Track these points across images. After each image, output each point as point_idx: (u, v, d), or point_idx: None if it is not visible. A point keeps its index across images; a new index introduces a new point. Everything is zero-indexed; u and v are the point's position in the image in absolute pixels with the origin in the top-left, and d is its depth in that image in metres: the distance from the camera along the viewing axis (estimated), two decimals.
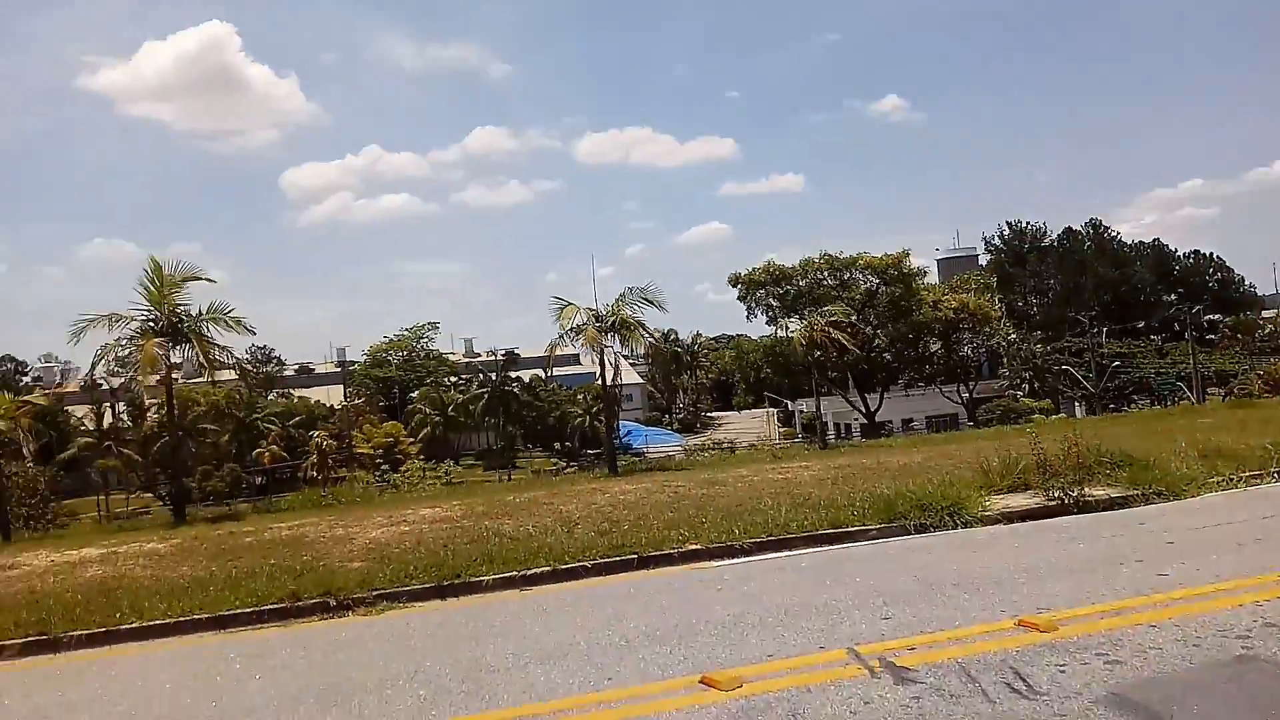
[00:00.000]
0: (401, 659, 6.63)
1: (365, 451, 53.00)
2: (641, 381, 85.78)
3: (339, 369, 75.25)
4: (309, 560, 10.09)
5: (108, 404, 52.29)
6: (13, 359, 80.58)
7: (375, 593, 8.56)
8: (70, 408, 56.68)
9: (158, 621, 8.09)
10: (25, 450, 22.00)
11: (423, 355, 78.23)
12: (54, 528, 23.30)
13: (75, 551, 12.55)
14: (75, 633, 7.90)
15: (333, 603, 8.38)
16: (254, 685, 6.29)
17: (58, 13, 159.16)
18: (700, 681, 5.57)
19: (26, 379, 77.24)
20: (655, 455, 42.44)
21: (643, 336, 21.38)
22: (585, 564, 9.20)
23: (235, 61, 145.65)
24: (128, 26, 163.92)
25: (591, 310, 21.27)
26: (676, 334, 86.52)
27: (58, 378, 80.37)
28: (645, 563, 9.31)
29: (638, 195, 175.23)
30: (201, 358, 18.54)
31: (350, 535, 11.99)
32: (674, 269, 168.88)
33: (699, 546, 9.64)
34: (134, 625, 8.05)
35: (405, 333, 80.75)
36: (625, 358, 49.94)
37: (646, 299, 21.00)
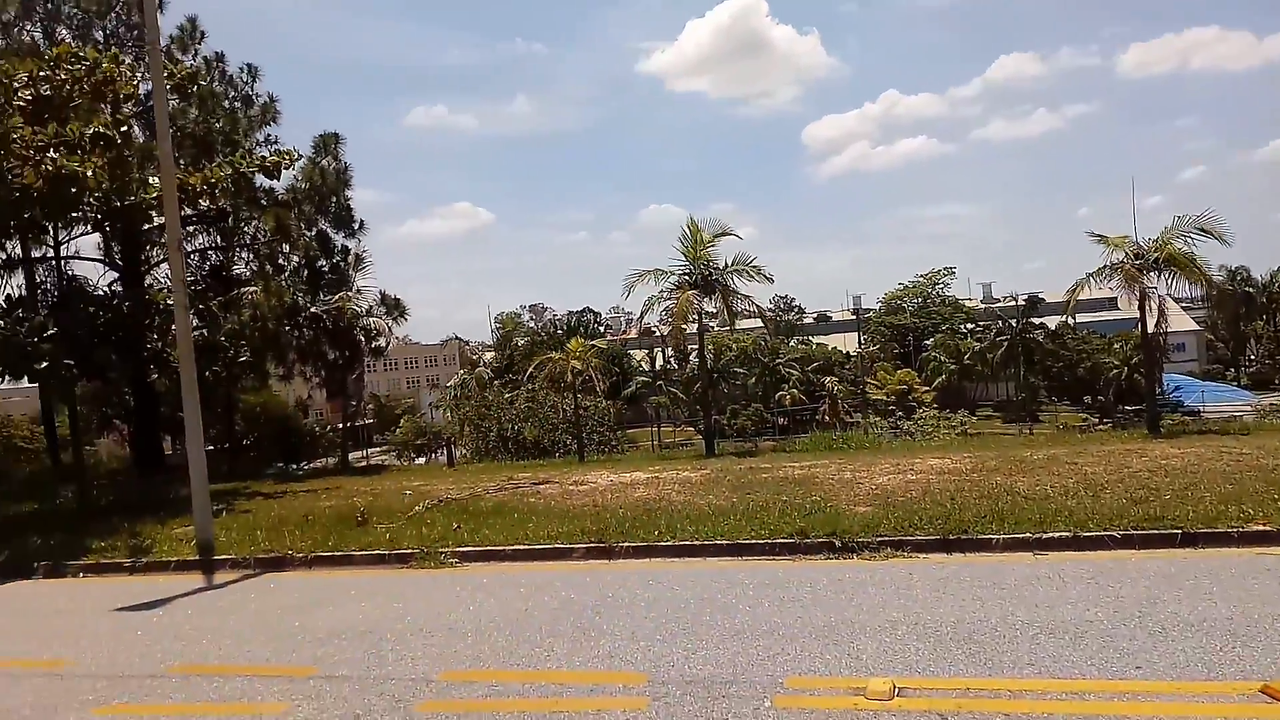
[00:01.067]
0: (902, 607, 6.59)
1: (879, 397, 53.67)
2: (1198, 328, 73.21)
3: (854, 316, 76.90)
4: (818, 500, 10.50)
5: (657, 349, 60.33)
6: (591, 310, 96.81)
7: (880, 539, 8.61)
8: (632, 351, 66.71)
9: (686, 542, 9.12)
10: (598, 387, 26.49)
11: (938, 301, 76.28)
12: (617, 453, 27.65)
13: (628, 474, 14.70)
14: (624, 543, 9.28)
15: (838, 544, 8.62)
16: (764, 610, 6.76)
17: (616, 9, 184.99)
18: (1261, 690, 4.61)
19: (601, 327, 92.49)
20: (1213, 415, 36.03)
21: (1198, 275, 18.08)
22: (1113, 533, 8.17)
23: (762, 26, 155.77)
24: (673, 9, 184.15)
25: (1132, 244, 18.59)
26: (1248, 271, 71.93)
27: (622, 326, 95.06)
28: (1191, 540, 7.96)
29: (1196, 109, 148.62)
30: (726, 307, 20.39)
31: (858, 479, 12.22)
32: (1243, 194, 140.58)
33: (1269, 528, 7.95)
34: (668, 543, 9.19)
35: (920, 279, 79.45)
36: (1176, 301, 42.98)
37: (1203, 230, 17.68)
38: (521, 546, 9.55)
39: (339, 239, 22.80)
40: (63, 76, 12.94)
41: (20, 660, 6.88)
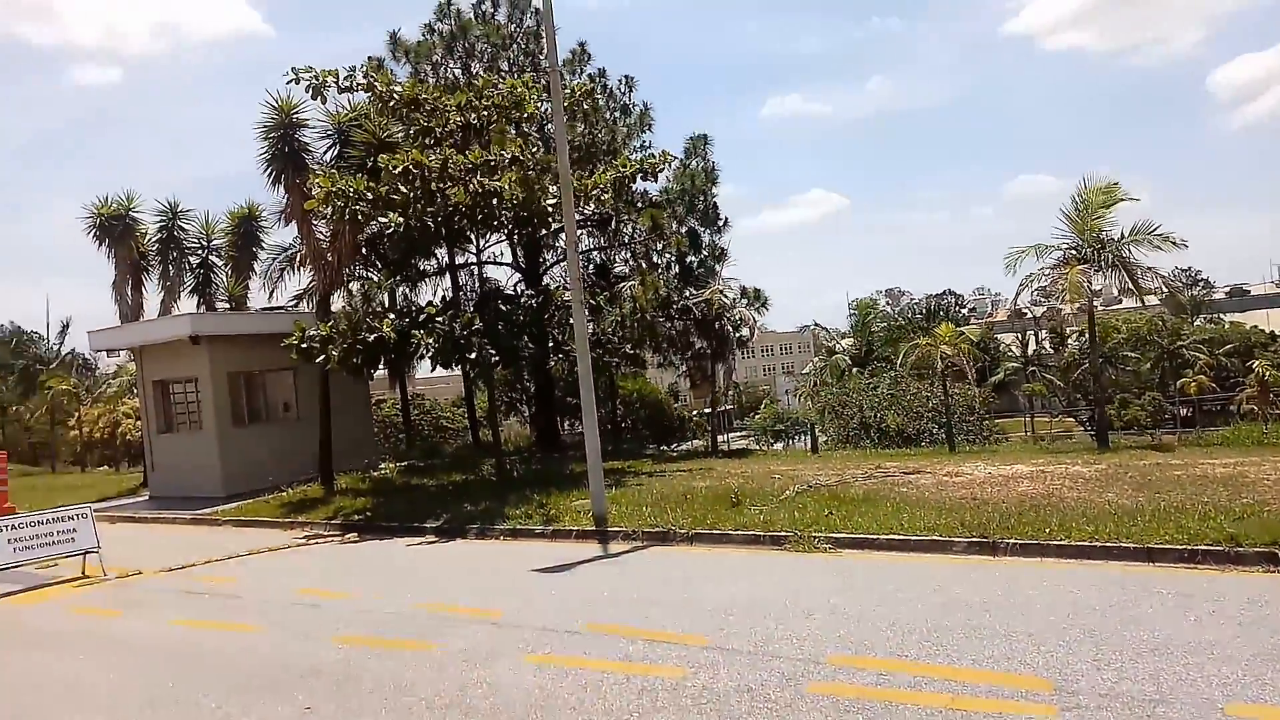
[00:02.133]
0: None
1: None
2: None
3: None
4: (1250, 504, 9.07)
5: (1030, 332, 55.67)
6: (952, 292, 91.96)
7: None
8: (1000, 335, 62.26)
9: (1084, 542, 8.35)
10: (968, 373, 25.10)
11: None
12: (988, 443, 25.99)
13: (1008, 467, 13.76)
14: (1010, 540, 8.71)
15: None
16: (1187, 624, 5.99)
17: None
18: None
19: (964, 310, 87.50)
20: None
21: None
22: None
23: None
24: None
25: None
26: None
27: (988, 308, 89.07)
28: None
29: None
30: (1128, 281, 18.19)
31: None
32: None
33: None
34: (1061, 541, 8.47)
35: None
36: None
37: None
38: (896, 536, 9.36)
39: (706, 235, 23.96)
40: (485, 105, 15.10)
41: (465, 608, 8.12)
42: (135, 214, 23.46)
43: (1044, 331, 55.30)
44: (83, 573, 11.24)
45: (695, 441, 32.80)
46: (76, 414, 43.70)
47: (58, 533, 11.17)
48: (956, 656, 5.72)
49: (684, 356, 26.14)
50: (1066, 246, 19.15)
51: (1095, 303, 20.17)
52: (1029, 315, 55.66)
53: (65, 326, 47.61)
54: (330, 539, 13.46)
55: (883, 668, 5.58)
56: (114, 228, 22.92)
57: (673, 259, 23.71)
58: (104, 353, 31.96)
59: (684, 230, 23.43)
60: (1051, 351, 55.49)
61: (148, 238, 23.72)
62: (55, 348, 46.91)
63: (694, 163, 23.24)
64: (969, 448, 21.20)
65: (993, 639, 5.99)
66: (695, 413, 39.70)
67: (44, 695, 6.52)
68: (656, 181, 18.89)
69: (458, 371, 24.89)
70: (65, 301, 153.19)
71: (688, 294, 23.59)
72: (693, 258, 23.92)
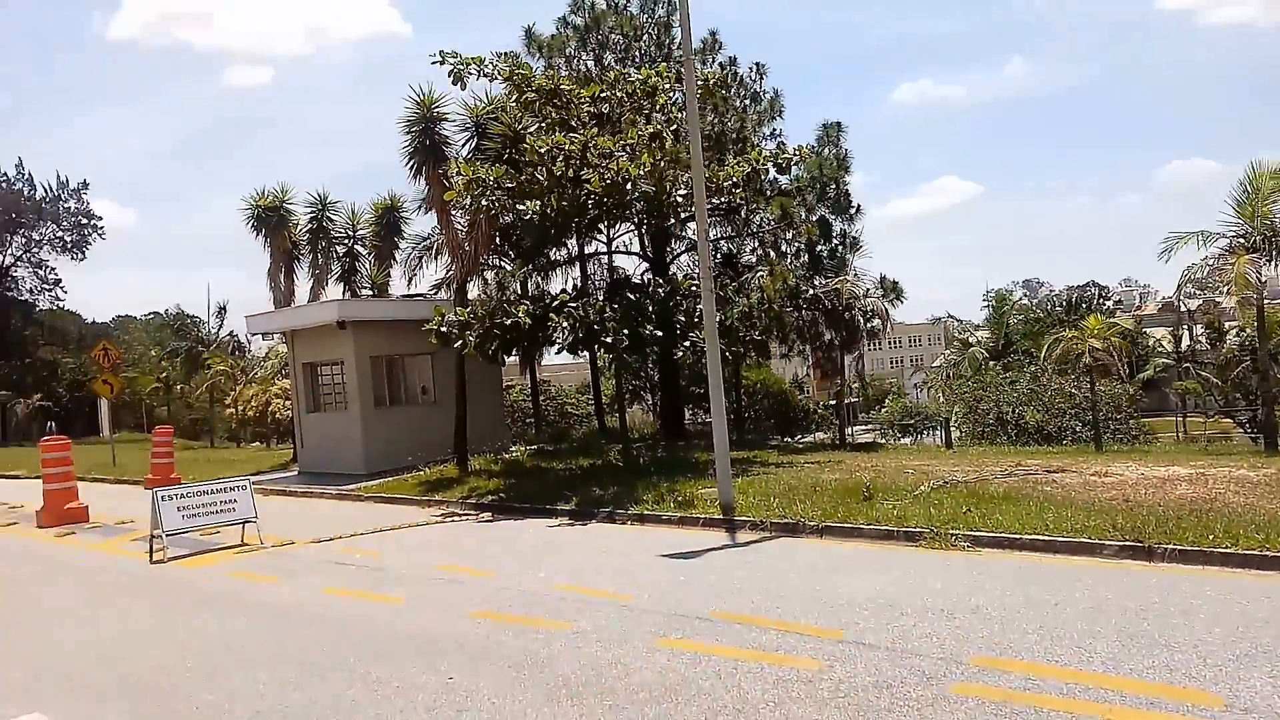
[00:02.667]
0: None
1: None
2: None
3: None
4: None
5: (1185, 326, 52.04)
6: (1095, 284, 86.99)
7: None
8: (1149, 330, 58.46)
9: (1253, 551, 7.76)
10: (1117, 369, 23.70)
11: None
12: (1137, 443, 24.52)
13: (1163, 468, 12.94)
14: (1169, 545, 8.19)
15: None
16: None
17: None
18: None
19: (1108, 303, 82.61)
20: None
21: None
22: None
23: None
24: None
25: None
26: None
27: (1136, 300, 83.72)
28: None
29: None
30: None
31: None
32: None
33: None
34: (1227, 549, 7.90)
35: None
36: None
37: None
38: (1041, 536, 8.95)
39: (837, 223, 23.51)
40: (618, 95, 15.28)
41: (596, 590, 8.26)
42: (288, 206, 24.90)
43: (1199, 326, 51.61)
44: (242, 540, 12.04)
45: (819, 434, 32.30)
46: (232, 393, 46.83)
47: (220, 503, 12.00)
48: (1112, 664, 5.42)
49: (812, 347, 25.77)
50: (1233, 235, 17.80)
51: (1266, 296, 18.68)
52: (1182, 309, 52.03)
53: (223, 311, 51.04)
54: (466, 518, 13.95)
55: (1031, 672, 5.35)
56: (269, 219, 24.40)
57: (802, 248, 23.38)
58: (259, 336, 34.06)
59: (814, 219, 23.06)
60: (1208, 347, 51.72)
61: (299, 228, 25.15)
62: (214, 331, 50.36)
63: (826, 150, 22.83)
64: (1117, 447, 20.10)
65: (1152, 648, 5.65)
66: (819, 404, 39.06)
67: (210, 652, 7.01)
68: (788, 174, 18.65)
69: (582, 359, 25.33)
70: (223, 288, 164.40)
71: (817, 283, 23.21)
72: (823, 247, 23.52)
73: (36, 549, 13.42)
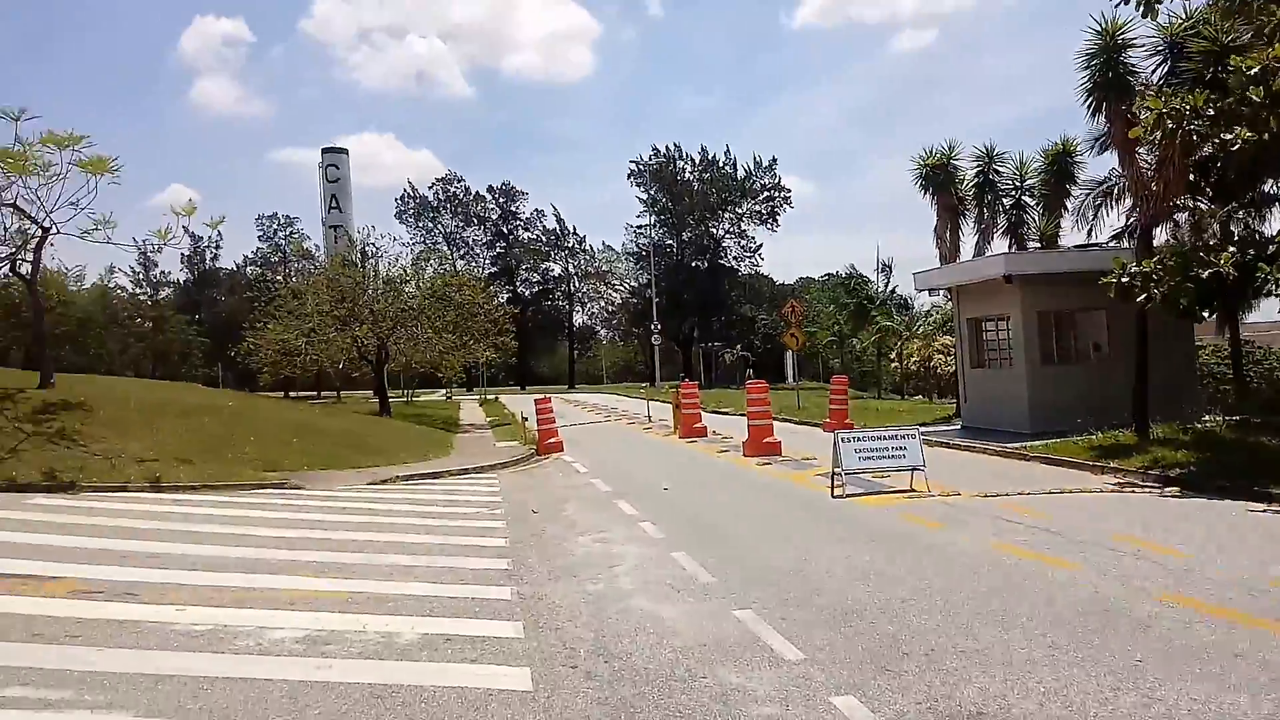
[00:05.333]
0: None
1: None
2: None
3: None
4: None
5: None
6: None
7: None
8: None
9: None
10: None
11: None
12: None
13: None
14: None
15: None
16: None
17: None
18: None
19: None
20: None
21: None
22: None
23: None
24: None
25: None
26: None
27: None
28: None
29: None
30: None
31: None
32: None
33: None
34: None
35: None
36: None
37: None
38: None
39: None
40: None
41: None
42: (954, 162, 25.06)
43: None
44: (910, 486, 12.68)
45: None
46: (896, 348, 49.33)
47: (892, 448, 12.81)
48: None
49: None
50: None
51: None
52: None
53: (888, 269, 53.85)
54: (1146, 489, 12.59)
55: None
56: (936, 177, 24.87)
57: None
58: (924, 292, 35.16)
59: None
60: None
61: (964, 183, 25.13)
62: (881, 288, 53.51)
63: None
64: None
65: None
66: None
67: (885, 584, 7.56)
68: None
69: None
70: (889, 247, 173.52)
71: None
72: None
73: (743, 473, 16.04)
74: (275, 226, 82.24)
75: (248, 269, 79.40)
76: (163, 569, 8.28)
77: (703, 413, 24.62)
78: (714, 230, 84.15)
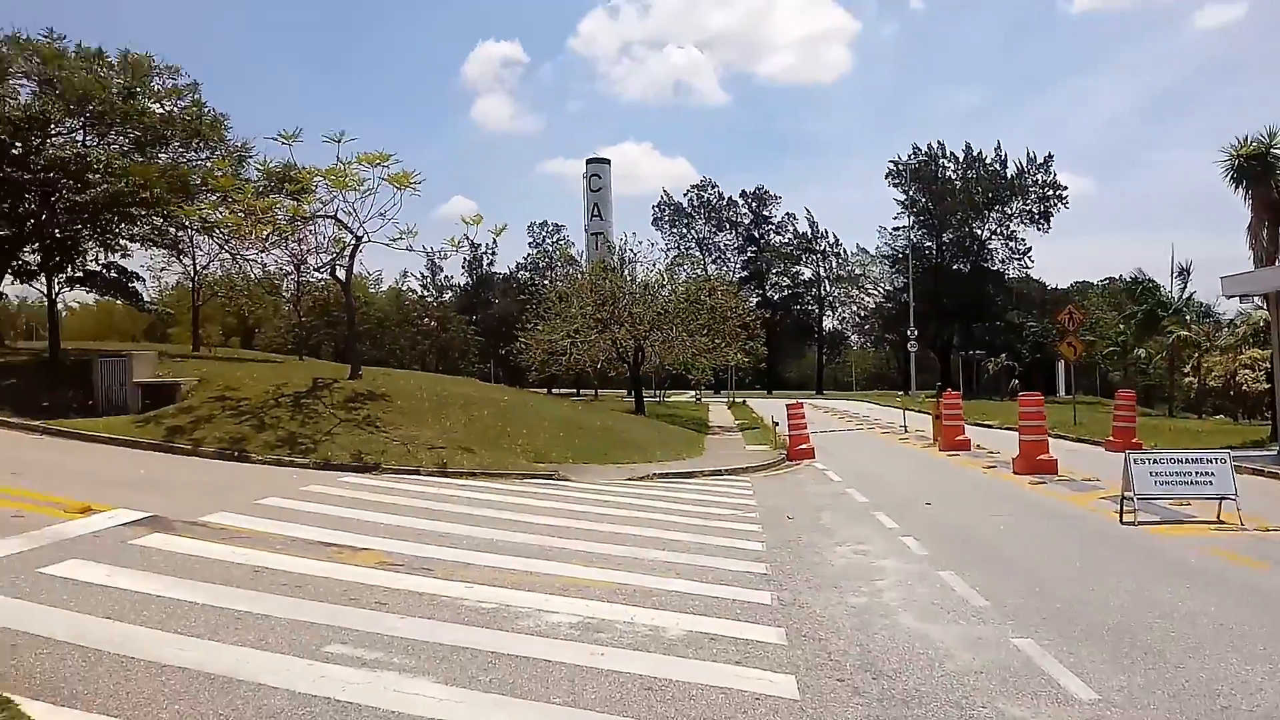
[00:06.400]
0: None
1: None
2: None
3: None
4: None
5: None
6: None
7: None
8: None
9: None
10: None
11: None
12: None
13: None
14: None
15: None
16: None
17: None
18: None
19: None
20: None
21: None
22: None
23: None
24: None
25: None
26: None
27: None
28: None
29: None
30: None
31: None
32: None
33: None
34: None
35: None
36: None
37: None
38: None
39: None
40: None
41: None
42: (1276, 151, 21.89)
43: None
44: (1217, 518, 11.22)
45: None
46: (1192, 360, 43.96)
47: (1195, 474, 11.38)
48: None
49: None
50: None
51: None
52: None
53: (1185, 273, 48.07)
54: None
55: None
56: (1252, 168, 21.84)
57: None
58: (1232, 299, 31.03)
59: None
60: None
61: None
62: (1175, 294, 47.89)
63: None
64: None
65: None
66: None
67: (1191, 623, 6.72)
68: None
69: None
70: (1185, 249, 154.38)
71: None
72: None
73: (1014, 491, 14.96)
74: (544, 234, 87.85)
75: (519, 273, 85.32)
76: (452, 548, 9.08)
77: (965, 425, 23.28)
78: (978, 231, 79.37)
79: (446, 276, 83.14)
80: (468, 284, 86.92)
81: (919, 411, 32.67)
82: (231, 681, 5.08)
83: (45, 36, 23.68)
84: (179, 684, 5.04)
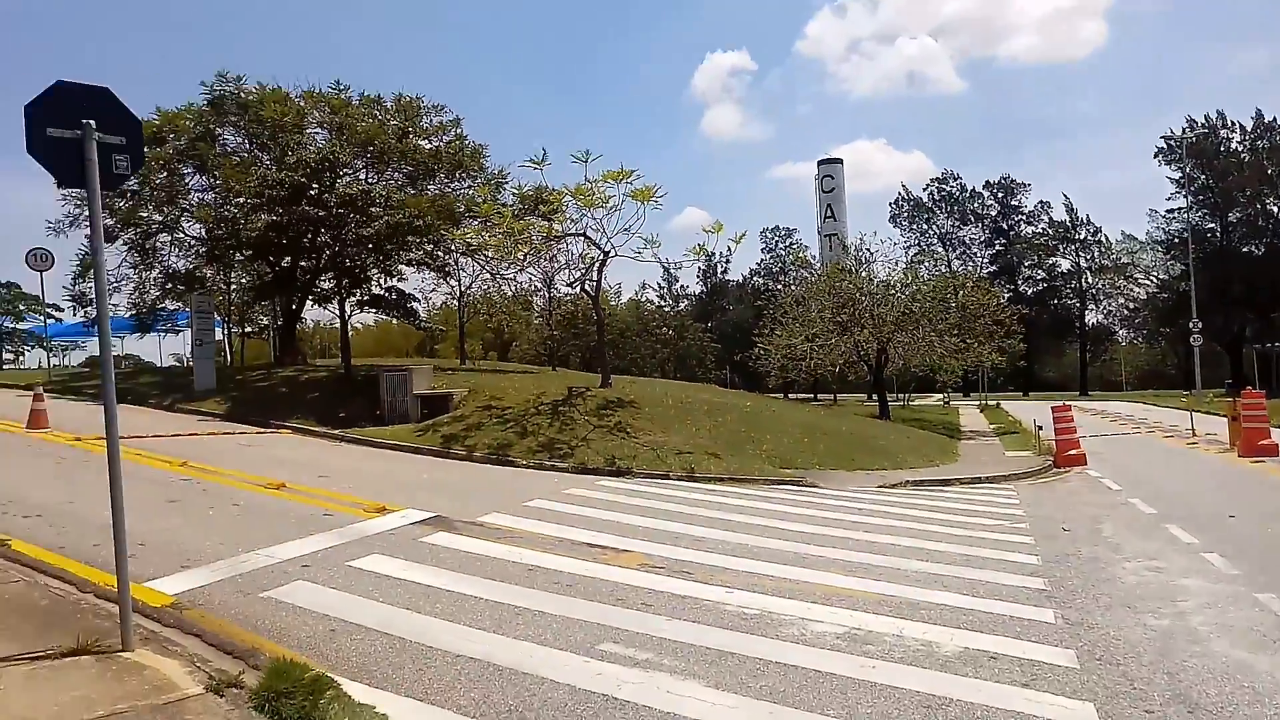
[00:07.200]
0: None
1: None
2: None
3: None
4: None
5: None
6: None
7: None
8: None
9: None
10: None
11: None
12: None
13: None
14: None
15: None
16: None
17: None
18: None
19: None
20: None
21: None
22: None
23: None
24: None
25: None
26: None
27: None
28: None
29: None
30: None
31: None
32: None
33: None
34: None
35: None
36: None
37: None
38: None
39: None
40: None
41: None
42: None
43: None
44: None
45: None
46: None
47: None
48: None
49: None
50: None
51: None
52: None
53: None
54: None
55: None
56: None
57: None
58: None
59: None
60: None
61: None
62: None
63: None
64: None
65: None
66: None
67: None
68: None
69: None
70: None
71: None
72: None
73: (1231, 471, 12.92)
74: (776, 239, 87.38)
75: (752, 279, 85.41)
76: (707, 552, 9.17)
77: (1270, 427, 20.43)
78: (1272, 208, 69.63)
79: (682, 286, 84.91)
80: (702, 292, 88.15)
81: (1205, 413, 29.15)
82: (518, 674, 5.41)
83: (334, 89, 26.87)
84: (473, 673, 5.43)
